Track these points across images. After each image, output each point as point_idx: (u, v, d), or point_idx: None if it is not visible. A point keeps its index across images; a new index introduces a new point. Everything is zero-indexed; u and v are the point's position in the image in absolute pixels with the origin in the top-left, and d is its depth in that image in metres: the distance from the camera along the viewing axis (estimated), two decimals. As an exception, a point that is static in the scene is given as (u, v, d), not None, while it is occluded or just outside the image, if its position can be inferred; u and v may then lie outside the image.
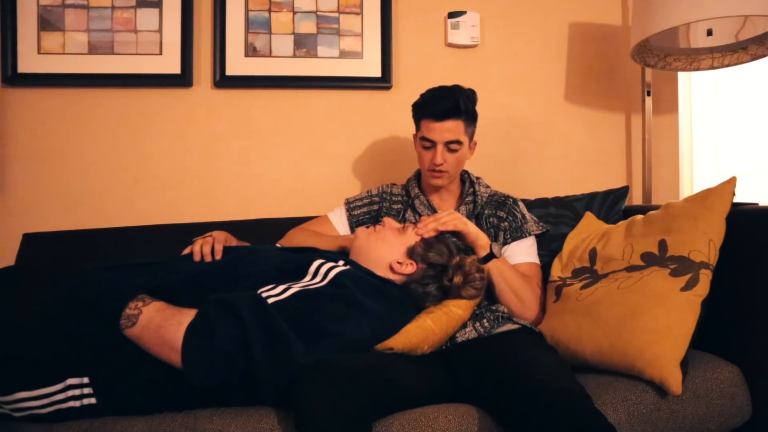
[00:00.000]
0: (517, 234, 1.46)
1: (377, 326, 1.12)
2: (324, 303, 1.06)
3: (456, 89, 1.46)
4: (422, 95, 1.50)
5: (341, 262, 1.17)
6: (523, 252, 1.46)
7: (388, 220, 1.36)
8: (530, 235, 1.48)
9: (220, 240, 1.29)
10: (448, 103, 1.41)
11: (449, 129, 1.43)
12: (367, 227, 1.38)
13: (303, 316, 1.02)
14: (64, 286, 1.06)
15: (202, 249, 1.24)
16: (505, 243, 1.46)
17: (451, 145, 1.44)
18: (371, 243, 1.30)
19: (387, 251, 1.27)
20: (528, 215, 1.52)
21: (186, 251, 1.28)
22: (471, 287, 1.25)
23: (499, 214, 1.48)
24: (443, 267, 1.26)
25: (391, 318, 1.16)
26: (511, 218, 1.48)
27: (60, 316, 1.02)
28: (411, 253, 1.27)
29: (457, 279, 1.24)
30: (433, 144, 1.45)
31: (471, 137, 1.50)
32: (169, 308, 1.00)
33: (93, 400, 1.00)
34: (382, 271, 1.25)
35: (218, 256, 1.23)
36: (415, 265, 1.26)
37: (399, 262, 1.26)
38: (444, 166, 1.46)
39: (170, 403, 1.02)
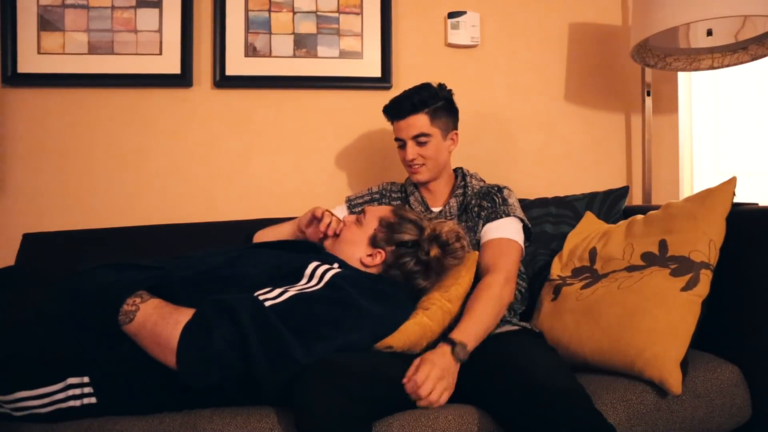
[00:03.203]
0: (492, 216, 1.42)
1: (375, 326, 1.12)
2: (321, 306, 1.06)
3: (418, 87, 1.50)
4: None
5: (336, 264, 1.18)
6: (495, 229, 1.40)
7: (346, 218, 1.37)
8: (507, 216, 1.42)
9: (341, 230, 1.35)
10: (407, 102, 1.47)
11: (412, 124, 1.47)
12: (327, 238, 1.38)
13: (300, 320, 1.02)
14: (63, 284, 1.06)
15: (330, 224, 1.33)
16: (483, 227, 1.43)
17: (420, 139, 1.47)
18: (336, 249, 1.31)
19: (352, 250, 1.28)
20: (511, 200, 1.46)
21: (318, 213, 1.37)
22: (452, 257, 1.25)
23: (482, 204, 1.47)
24: (416, 243, 1.25)
25: (389, 317, 1.16)
26: (490, 204, 1.45)
27: (59, 314, 1.02)
28: (374, 241, 1.27)
29: (434, 252, 1.23)
30: (403, 142, 1.50)
31: (445, 129, 1.51)
32: (167, 306, 1.00)
33: (93, 400, 1.00)
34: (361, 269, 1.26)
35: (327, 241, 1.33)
36: (383, 252, 1.26)
37: (368, 255, 1.27)
38: (418, 159, 1.49)
39: (170, 402, 1.02)
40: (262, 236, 1.51)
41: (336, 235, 1.34)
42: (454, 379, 1.08)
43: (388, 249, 1.26)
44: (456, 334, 1.15)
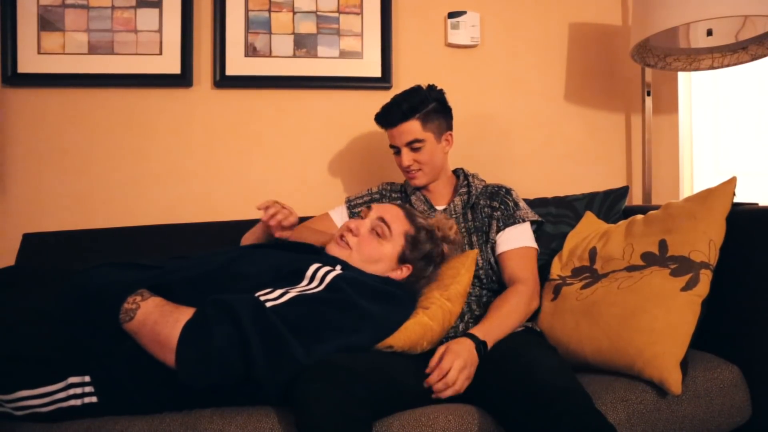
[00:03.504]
0: (510, 221, 1.46)
1: (376, 328, 1.13)
2: (321, 308, 1.06)
3: (407, 93, 1.49)
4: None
5: (338, 266, 1.17)
6: (516, 237, 1.45)
7: (355, 226, 1.30)
8: (524, 221, 1.47)
9: (294, 221, 1.32)
10: (396, 110, 1.47)
11: (404, 131, 1.47)
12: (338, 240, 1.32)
13: (301, 321, 1.02)
14: (64, 284, 1.06)
15: (275, 214, 1.28)
16: (498, 230, 1.46)
17: (414, 145, 1.48)
18: (360, 265, 1.26)
19: (380, 268, 1.28)
20: (521, 203, 1.52)
21: (261, 206, 1.29)
22: (452, 244, 1.36)
23: (492, 204, 1.49)
24: (431, 253, 1.32)
25: (390, 318, 1.16)
26: (503, 207, 1.48)
27: (60, 313, 1.02)
28: (403, 258, 1.30)
29: (447, 249, 1.35)
30: (398, 149, 1.51)
31: (438, 131, 1.50)
32: (167, 305, 1.00)
33: (94, 399, 1.00)
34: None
35: (285, 223, 1.29)
36: (411, 267, 1.30)
37: (393, 270, 1.30)
38: (414, 165, 1.50)
39: (171, 402, 1.02)
40: (245, 241, 1.49)
41: (283, 228, 1.30)
42: (474, 369, 1.13)
43: (416, 264, 1.31)
44: (479, 332, 1.19)
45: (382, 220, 1.30)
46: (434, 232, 1.33)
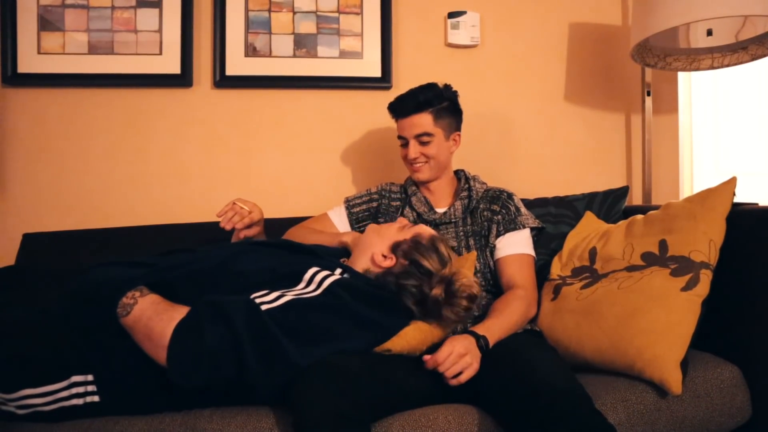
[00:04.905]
0: (511, 226, 1.47)
1: (373, 335, 1.11)
2: (317, 314, 1.04)
3: (423, 87, 1.51)
4: None
5: (338, 271, 1.15)
6: (516, 243, 1.45)
7: (401, 220, 1.34)
8: (524, 227, 1.48)
9: (253, 218, 1.36)
10: (411, 101, 1.50)
11: (415, 123, 1.50)
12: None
13: (296, 326, 1.01)
14: (66, 281, 1.06)
15: (231, 216, 1.33)
16: (498, 235, 1.46)
17: (422, 138, 1.50)
18: (369, 234, 1.30)
19: (375, 242, 1.27)
20: (523, 209, 1.52)
21: (219, 213, 1.35)
22: (451, 311, 1.16)
23: (493, 208, 1.49)
24: (428, 272, 1.19)
25: (388, 325, 1.14)
26: (504, 211, 1.48)
27: (63, 312, 1.02)
28: (395, 247, 1.24)
29: (437, 291, 1.15)
30: (406, 140, 1.53)
31: (447, 129, 1.53)
32: (163, 303, 1.00)
33: (96, 398, 1.00)
34: (367, 264, 1.24)
35: (239, 226, 1.33)
36: (394, 260, 1.22)
37: (383, 255, 1.23)
38: (421, 158, 1.52)
39: (172, 401, 1.02)
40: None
41: (245, 227, 1.34)
42: (477, 360, 1.11)
43: (401, 261, 1.21)
44: (479, 329, 1.18)
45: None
46: (444, 267, 1.20)
